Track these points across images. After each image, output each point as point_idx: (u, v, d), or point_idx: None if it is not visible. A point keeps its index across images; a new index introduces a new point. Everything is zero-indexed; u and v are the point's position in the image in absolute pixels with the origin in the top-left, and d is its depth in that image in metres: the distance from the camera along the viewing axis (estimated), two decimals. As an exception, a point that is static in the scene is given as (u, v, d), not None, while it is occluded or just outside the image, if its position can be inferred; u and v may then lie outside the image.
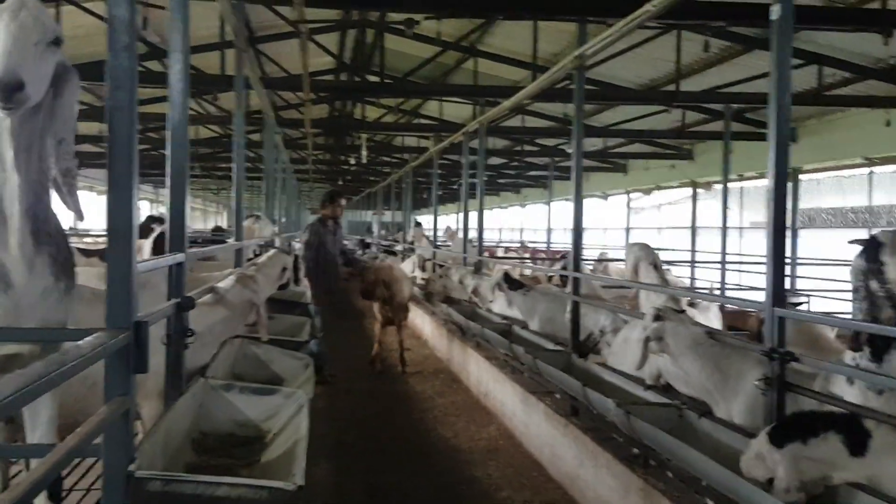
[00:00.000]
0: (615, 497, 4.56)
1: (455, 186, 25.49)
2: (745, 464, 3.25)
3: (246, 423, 3.73)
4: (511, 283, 8.07)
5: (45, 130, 2.50)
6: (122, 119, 2.32)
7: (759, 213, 15.42)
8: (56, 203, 2.62)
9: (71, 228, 12.04)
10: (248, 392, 3.79)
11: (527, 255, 17.98)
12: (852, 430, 3.14)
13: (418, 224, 20.04)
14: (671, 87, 10.23)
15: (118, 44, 2.31)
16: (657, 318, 4.44)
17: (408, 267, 14.61)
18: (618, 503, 4.52)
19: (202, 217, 40.90)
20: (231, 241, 7.39)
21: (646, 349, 4.39)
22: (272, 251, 6.61)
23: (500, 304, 8.73)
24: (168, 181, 3.51)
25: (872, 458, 3.07)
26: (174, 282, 3.39)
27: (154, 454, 2.71)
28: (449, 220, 34.83)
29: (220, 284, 4.36)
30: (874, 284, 3.46)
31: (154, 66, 11.06)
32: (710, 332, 4.51)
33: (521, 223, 30.24)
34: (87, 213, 2.69)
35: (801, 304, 7.88)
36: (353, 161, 21.15)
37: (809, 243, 13.41)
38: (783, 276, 3.81)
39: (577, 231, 6.63)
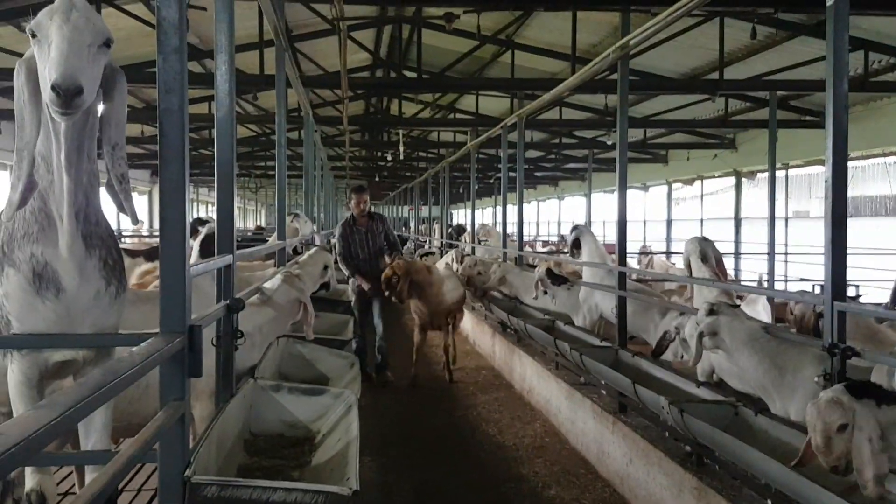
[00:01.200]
0: (667, 496, 4.47)
1: (491, 181, 25.41)
2: (818, 407, 3.01)
3: (295, 424, 3.73)
4: (554, 279, 7.98)
5: (93, 131, 2.48)
6: (174, 122, 2.30)
7: (803, 202, 15.11)
8: (105, 205, 2.62)
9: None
10: (297, 392, 3.78)
11: (566, 250, 17.79)
12: None
13: (462, 229, 19.62)
14: (714, 76, 10.05)
15: (168, 46, 2.29)
16: (711, 312, 4.33)
17: (447, 261, 14.53)
18: (671, 502, 4.43)
19: (241, 215, 41.39)
20: (272, 239, 7.43)
21: (700, 345, 4.27)
22: (313, 249, 6.61)
23: (542, 299, 8.61)
24: (216, 182, 3.50)
25: None
26: (223, 283, 3.38)
27: (209, 457, 2.71)
28: (485, 214, 34.73)
29: (267, 284, 4.35)
30: None
31: (193, 66, 11.19)
32: (766, 327, 4.38)
33: (559, 216, 30.01)
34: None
35: (858, 296, 7.65)
36: (389, 157, 21.19)
37: (855, 232, 13.08)
38: (844, 268, 3.69)
39: (622, 223, 6.49)
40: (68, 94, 2.13)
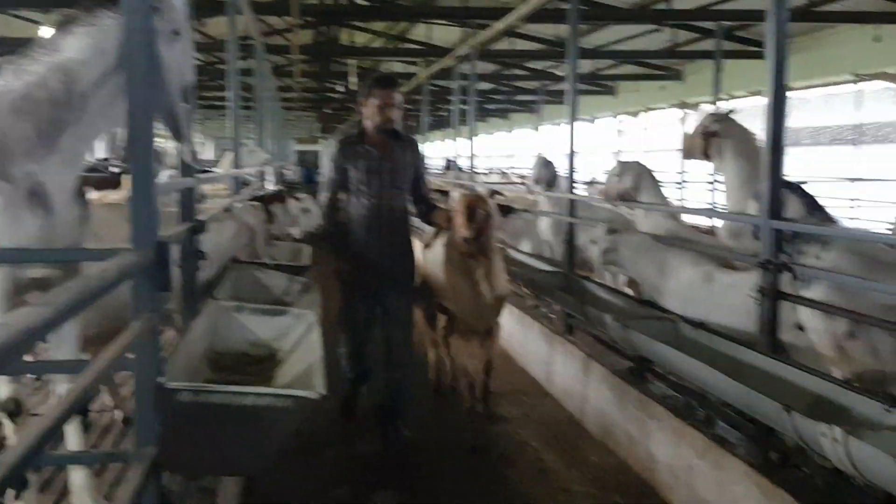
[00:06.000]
0: (612, 409, 4.70)
1: (443, 114, 25.24)
2: None
3: (258, 343, 3.83)
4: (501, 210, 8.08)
5: None
6: (139, 43, 2.32)
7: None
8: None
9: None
10: (259, 313, 3.87)
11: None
12: None
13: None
14: (662, 6, 10.12)
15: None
16: (610, 231, 4.99)
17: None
18: (615, 415, 4.65)
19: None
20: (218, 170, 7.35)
21: (602, 260, 5.02)
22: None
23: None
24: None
25: None
26: (185, 205, 3.44)
27: (177, 371, 2.81)
28: (437, 148, 34.55)
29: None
30: None
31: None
32: (657, 237, 4.84)
33: (509, 149, 30.00)
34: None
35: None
36: (340, 88, 20.86)
37: (797, 160, 13.53)
38: (780, 189, 3.90)
39: (571, 154, 6.68)
40: None
